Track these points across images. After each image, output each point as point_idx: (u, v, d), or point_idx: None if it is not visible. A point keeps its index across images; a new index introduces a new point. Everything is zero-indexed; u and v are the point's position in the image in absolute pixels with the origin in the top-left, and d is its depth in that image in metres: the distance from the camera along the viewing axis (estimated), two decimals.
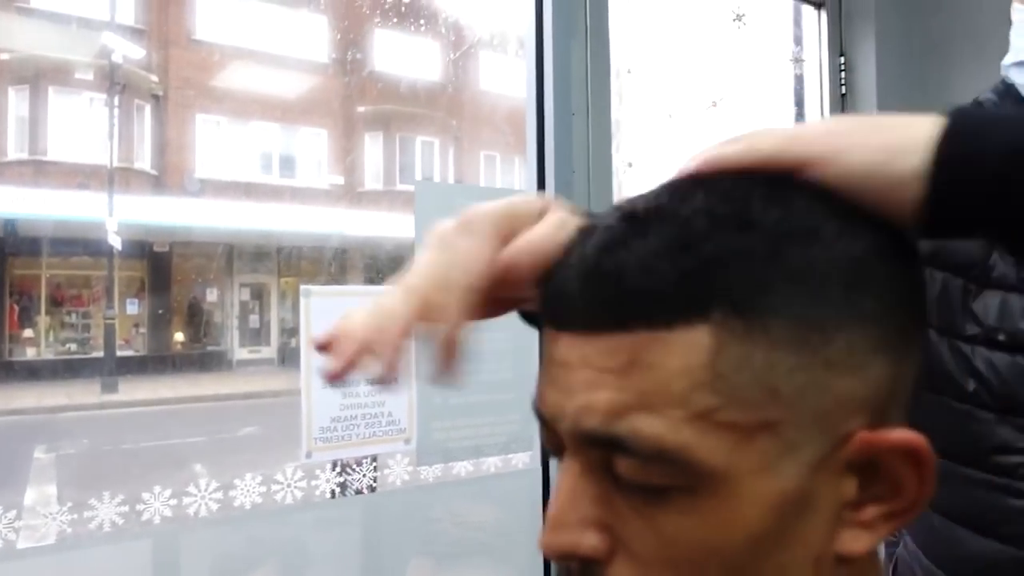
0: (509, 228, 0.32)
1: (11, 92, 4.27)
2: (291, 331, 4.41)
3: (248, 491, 0.95)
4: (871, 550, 0.29)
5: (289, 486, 0.99)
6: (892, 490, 0.28)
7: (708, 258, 0.25)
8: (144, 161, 4.71)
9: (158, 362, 4.07)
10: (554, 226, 0.32)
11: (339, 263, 4.34)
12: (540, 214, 0.33)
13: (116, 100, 4.54)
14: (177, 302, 4.65)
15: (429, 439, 1.16)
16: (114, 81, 4.52)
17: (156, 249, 4.31)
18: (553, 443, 0.30)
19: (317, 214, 4.40)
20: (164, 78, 4.67)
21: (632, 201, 0.28)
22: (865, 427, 0.27)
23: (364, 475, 1.13)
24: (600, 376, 0.26)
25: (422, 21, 2.80)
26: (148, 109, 4.70)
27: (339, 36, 4.66)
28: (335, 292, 1.25)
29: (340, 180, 4.68)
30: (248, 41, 4.71)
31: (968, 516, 0.52)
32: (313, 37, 4.65)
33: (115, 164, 4.51)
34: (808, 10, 1.56)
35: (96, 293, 4.21)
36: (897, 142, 0.27)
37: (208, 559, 0.90)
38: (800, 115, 1.50)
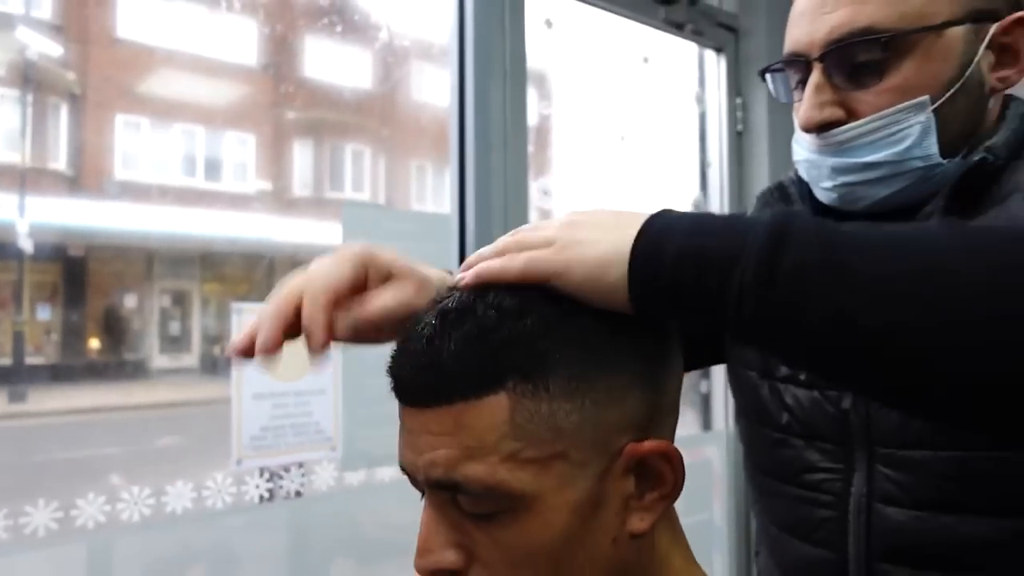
0: (364, 269, 0.46)
1: None
2: (214, 339, 4.36)
3: (179, 496, 1.02)
4: (653, 525, 0.42)
5: (220, 492, 1.07)
6: (658, 481, 0.41)
7: (499, 343, 0.38)
8: (59, 161, 4.58)
9: (72, 370, 3.97)
10: (400, 294, 0.45)
11: (265, 270, 4.33)
12: (388, 275, 0.46)
13: (30, 98, 4.41)
14: (93, 308, 4.56)
15: (354, 447, 1.24)
16: (28, 78, 4.39)
17: (71, 253, 4.20)
18: (417, 486, 0.43)
19: (243, 220, 4.38)
20: (83, 77, 4.56)
21: (445, 299, 0.41)
22: (632, 441, 0.40)
23: (292, 481, 1.21)
24: (436, 438, 0.39)
25: (354, 28, 2.87)
26: (65, 108, 4.58)
27: (269, 41, 4.65)
28: None
29: (268, 186, 4.66)
30: (174, 42, 4.65)
31: (790, 525, 0.67)
32: (242, 41, 4.61)
33: (28, 163, 4.38)
34: (709, 54, 1.72)
35: (3, 298, 4.08)
36: (605, 256, 0.37)
37: (138, 564, 0.97)
38: (703, 148, 1.66)
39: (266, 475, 1.13)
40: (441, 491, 0.40)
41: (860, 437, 0.58)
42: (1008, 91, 0.64)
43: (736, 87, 1.71)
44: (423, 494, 0.42)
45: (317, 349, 0.44)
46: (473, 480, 0.38)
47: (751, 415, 0.69)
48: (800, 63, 0.62)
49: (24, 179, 4.12)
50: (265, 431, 1.09)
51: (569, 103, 1.86)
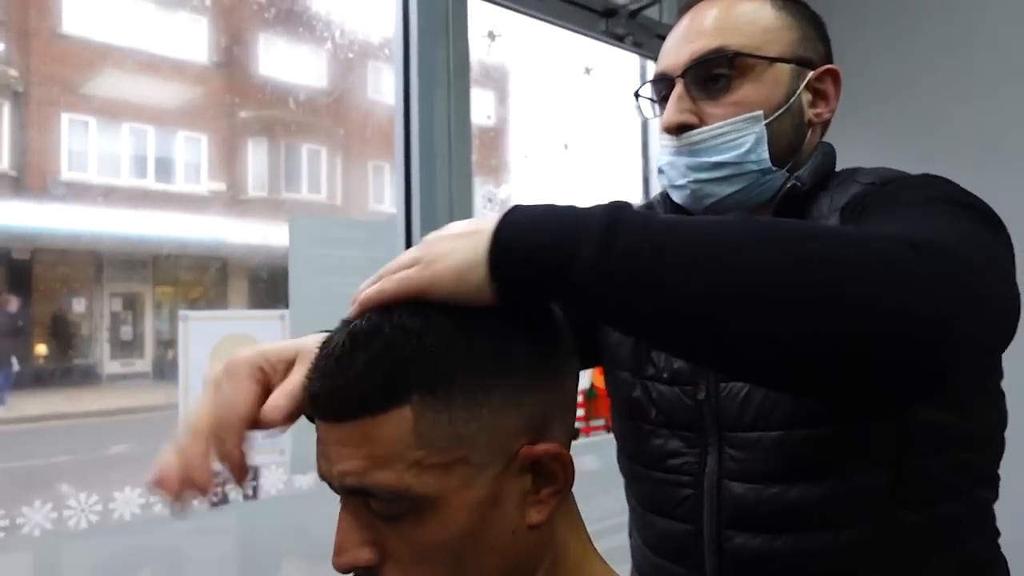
0: (262, 373, 0.50)
1: None
2: (167, 343, 4.32)
3: (127, 503, 1.06)
4: (549, 516, 0.48)
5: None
6: (551, 478, 0.47)
7: (402, 361, 0.43)
8: (2, 161, 4.50)
9: (18, 377, 3.92)
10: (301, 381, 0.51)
11: (219, 272, 4.32)
12: (291, 360, 0.52)
13: None
14: (40, 312, 4.50)
15: (302, 450, 1.29)
16: None
17: (15, 256, 4.14)
18: (335, 491, 0.48)
19: (196, 222, 4.35)
20: (25, 73, 4.49)
21: (355, 322, 0.46)
22: (528, 443, 0.46)
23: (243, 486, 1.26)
24: (347, 449, 0.44)
25: (308, 27, 2.90)
26: (6, 107, 4.50)
27: (221, 39, 4.62)
28: (212, 316, 1.38)
29: (221, 187, 4.63)
30: (122, 39, 4.59)
31: (656, 505, 0.78)
32: (193, 39, 4.57)
33: None
34: (651, 64, 1.80)
35: None
36: (465, 262, 0.43)
37: (88, 570, 1.02)
38: (646, 156, 1.73)
39: (218, 479, 1.17)
40: (354, 496, 0.45)
41: (712, 424, 0.69)
42: (825, 132, 0.79)
43: None
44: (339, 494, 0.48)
45: (240, 480, 0.50)
46: (382, 486, 0.43)
47: (624, 411, 0.79)
48: (666, 81, 0.77)
49: None
50: None
51: (515, 111, 1.93)
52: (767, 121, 0.73)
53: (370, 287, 0.47)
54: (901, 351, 0.41)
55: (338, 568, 0.45)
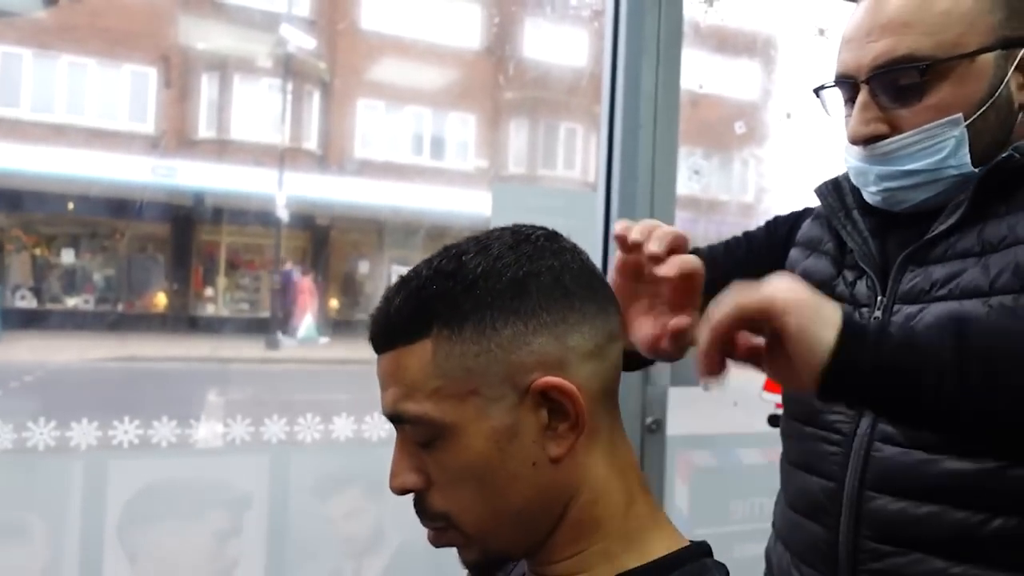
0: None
1: (204, 79, 5.03)
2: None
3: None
4: (568, 451, 0.54)
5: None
6: (564, 413, 0.53)
7: (427, 299, 0.52)
8: (311, 141, 5.36)
9: (321, 326, 4.66)
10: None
11: None
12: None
13: (289, 86, 5.22)
14: (335, 272, 5.21)
15: None
16: (288, 69, 5.19)
17: (318, 223, 4.91)
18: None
19: (463, 196, 4.80)
20: (332, 65, 5.28)
21: (409, 271, 0.55)
22: (539, 377, 0.53)
23: None
24: (387, 379, 0.53)
25: (568, 9, 3.06)
26: (316, 94, 5.34)
27: (491, 25, 5.01)
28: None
29: (485, 164, 5.06)
30: (407, 30, 5.19)
31: (802, 459, 0.77)
32: (466, 26, 5.02)
33: (287, 144, 5.19)
34: None
35: (266, 260, 4.87)
36: (818, 343, 0.50)
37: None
38: None
39: None
40: (396, 424, 0.55)
41: None
42: None
43: None
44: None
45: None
46: (409, 413, 0.52)
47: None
48: (849, 84, 0.69)
49: (283, 158, 4.89)
50: None
51: (738, 78, 1.87)
52: (968, 122, 0.64)
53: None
54: None
55: (393, 490, 0.56)
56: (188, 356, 4.67)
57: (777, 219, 0.91)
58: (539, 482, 0.54)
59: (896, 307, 0.69)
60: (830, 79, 0.74)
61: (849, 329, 0.53)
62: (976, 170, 0.65)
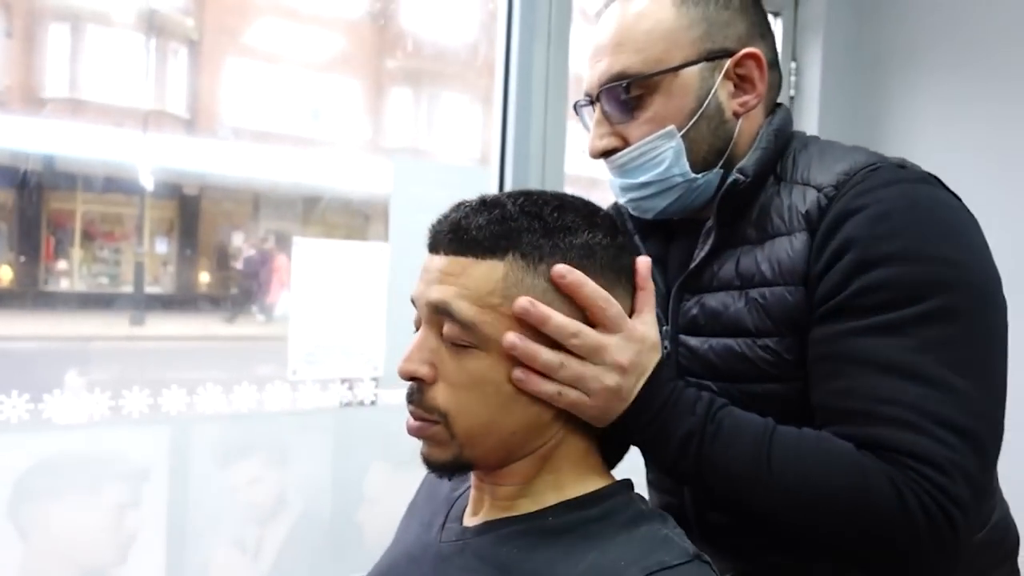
0: None
1: (53, 30, 4.65)
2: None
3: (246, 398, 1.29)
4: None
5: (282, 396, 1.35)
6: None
7: (510, 230, 0.59)
8: (178, 105, 5.08)
9: (183, 301, 4.49)
10: None
11: (363, 217, 4.65)
12: None
13: (153, 43, 4.91)
14: (204, 244, 5.03)
15: (392, 368, 1.49)
16: (152, 24, 4.88)
17: (187, 192, 4.69)
18: (416, 320, 0.63)
19: (342, 166, 4.73)
20: (201, 24, 5.01)
21: (487, 195, 0.61)
22: None
23: (342, 393, 1.48)
24: (448, 277, 0.60)
25: None
26: (184, 54, 5.06)
27: None
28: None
29: (366, 134, 4.98)
30: None
31: (656, 483, 0.94)
32: None
33: (151, 107, 4.89)
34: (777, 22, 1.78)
35: (127, 231, 4.62)
36: (618, 391, 0.65)
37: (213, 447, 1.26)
38: None
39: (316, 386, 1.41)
40: (435, 315, 0.61)
41: None
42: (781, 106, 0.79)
43: (791, 51, 1.78)
44: (417, 328, 0.64)
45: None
46: (462, 313, 0.59)
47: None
48: (588, 100, 0.81)
49: (146, 121, 4.63)
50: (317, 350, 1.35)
51: None
52: (682, 133, 0.75)
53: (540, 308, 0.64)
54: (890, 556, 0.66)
55: (401, 373, 0.62)
56: (38, 335, 4.37)
57: None
58: (538, 417, 0.62)
59: (680, 337, 0.79)
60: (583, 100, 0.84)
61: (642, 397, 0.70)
62: (700, 176, 0.76)
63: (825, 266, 0.68)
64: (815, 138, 0.79)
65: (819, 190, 0.70)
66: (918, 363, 0.62)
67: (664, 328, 0.78)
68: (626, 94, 0.77)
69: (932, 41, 1.81)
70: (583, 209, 0.64)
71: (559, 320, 0.59)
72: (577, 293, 0.60)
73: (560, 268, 0.59)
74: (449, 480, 0.64)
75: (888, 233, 0.66)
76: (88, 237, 4.57)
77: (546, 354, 0.59)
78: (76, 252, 4.59)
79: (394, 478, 1.47)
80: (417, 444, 0.66)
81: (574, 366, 0.59)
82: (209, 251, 5.21)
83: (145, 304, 4.42)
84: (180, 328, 4.41)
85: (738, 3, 0.77)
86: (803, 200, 0.70)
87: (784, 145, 0.76)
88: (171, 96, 4.84)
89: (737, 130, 0.78)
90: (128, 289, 4.68)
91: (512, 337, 0.58)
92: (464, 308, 0.59)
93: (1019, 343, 0.74)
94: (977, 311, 0.65)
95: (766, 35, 0.79)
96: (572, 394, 0.60)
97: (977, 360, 0.63)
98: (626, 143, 0.80)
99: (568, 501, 0.64)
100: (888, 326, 0.64)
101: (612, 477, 0.68)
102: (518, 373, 0.60)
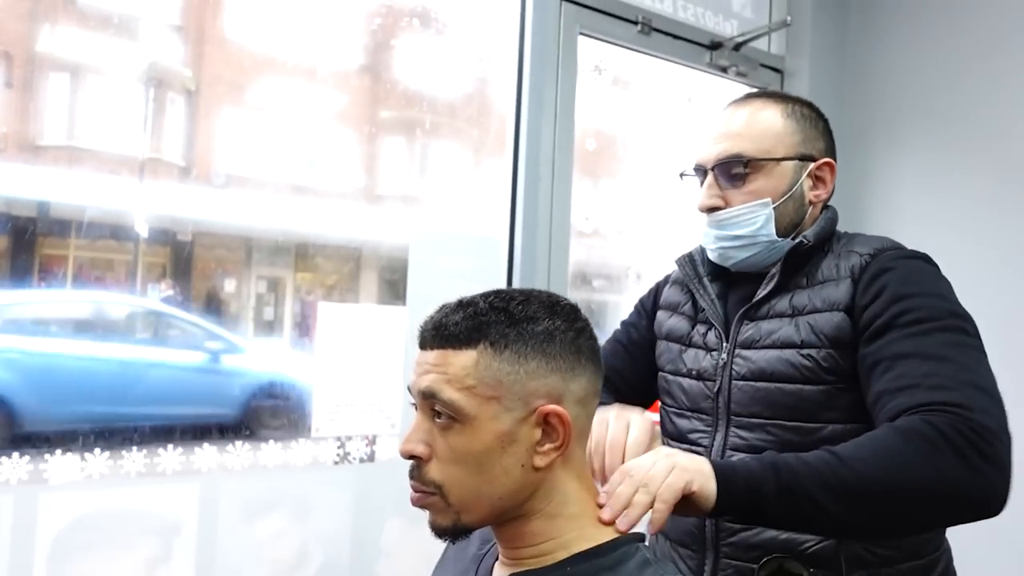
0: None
1: (53, 80, 4.74)
2: (304, 325, 4.83)
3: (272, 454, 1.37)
4: (549, 465, 0.72)
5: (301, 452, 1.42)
6: (555, 434, 0.71)
7: (481, 323, 0.69)
8: (174, 153, 5.17)
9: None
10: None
11: (354, 263, 4.74)
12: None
13: (151, 94, 5.02)
14: (197, 290, 5.08)
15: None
16: (150, 75, 4.99)
17: (180, 238, 4.76)
18: (415, 405, 0.74)
19: (336, 215, 4.82)
20: (198, 74, 5.13)
21: (464, 297, 0.72)
22: (545, 404, 0.70)
23: (360, 449, 1.56)
24: (433, 367, 0.71)
25: (442, 37, 3.22)
26: (182, 104, 5.16)
27: (371, 43, 5.07)
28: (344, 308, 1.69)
29: (359, 182, 5.10)
30: (281, 43, 5.14)
31: None
32: (346, 43, 5.04)
33: (147, 154, 4.97)
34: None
35: (118, 276, 4.66)
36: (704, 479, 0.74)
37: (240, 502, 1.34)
38: None
39: (339, 442, 1.49)
40: (426, 400, 0.72)
41: (723, 411, 0.94)
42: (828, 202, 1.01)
43: None
44: (416, 408, 0.75)
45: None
46: (444, 395, 0.70)
47: (665, 400, 1.07)
48: (702, 170, 1.02)
49: (143, 169, 4.71)
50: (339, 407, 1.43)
51: (620, 136, 2.13)
52: (774, 205, 0.97)
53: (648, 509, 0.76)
54: (956, 514, 0.85)
55: (401, 452, 0.73)
56: None
57: (642, 299, 1.24)
58: (522, 480, 0.73)
59: (736, 351, 1.02)
60: (690, 169, 1.07)
61: (722, 478, 0.84)
62: (779, 239, 0.98)
63: (869, 300, 0.95)
64: (851, 232, 1.03)
65: (860, 255, 0.95)
66: (947, 354, 0.88)
67: (725, 345, 1.01)
68: (738, 169, 0.99)
69: (910, 119, 1.98)
70: (546, 301, 0.77)
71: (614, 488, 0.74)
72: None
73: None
74: (453, 544, 0.75)
75: (914, 281, 0.96)
76: (79, 283, 4.61)
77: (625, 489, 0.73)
78: None
79: (410, 532, 1.52)
80: None
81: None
82: (202, 296, 5.29)
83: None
84: None
85: (822, 127, 1.04)
86: (848, 260, 0.95)
87: (833, 230, 1.00)
88: (167, 144, 4.94)
89: (807, 214, 1.02)
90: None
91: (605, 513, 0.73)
92: (446, 392, 0.71)
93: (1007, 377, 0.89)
94: (972, 331, 0.93)
95: (835, 154, 1.06)
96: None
97: (985, 360, 0.90)
98: (728, 205, 1.03)
99: (585, 552, 0.74)
100: (921, 332, 0.90)
101: (610, 529, 0.78)
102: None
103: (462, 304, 0.73)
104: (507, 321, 0.71)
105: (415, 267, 1.54)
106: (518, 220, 1.57)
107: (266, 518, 1.38)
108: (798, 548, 0.91)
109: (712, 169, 1.03)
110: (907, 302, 0.92)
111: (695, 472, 0.76)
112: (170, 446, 1.20)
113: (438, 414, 0.71)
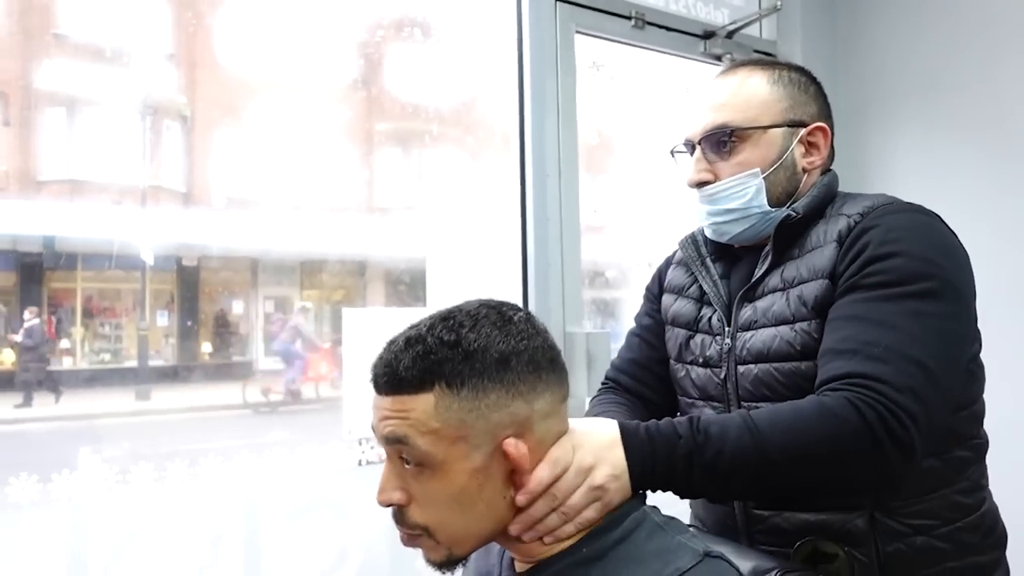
0: None
1: (49, 116, 4.80)
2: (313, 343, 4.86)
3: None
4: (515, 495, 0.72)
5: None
6: (520, 466, 0.72)
7: (433, 363, 0.71)
8: (174, 179, 5.23)
9: (186, 371, 4.57)
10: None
11: (359, 277, 4.79)
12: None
13: (148, 123, 5.08)
14: (205, 314, 5.11)
15: None
16: (146, 104, 5.06)
17: (185, 263, 4.82)
18: (380, 442, 0.74)
19: (338, 229, 4.85)
20: (193, 100, 5.20)
21: (411, 327, 0.72)
22: (513, 435, 0.72)
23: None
24: (392, 413, 0.72)
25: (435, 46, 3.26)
26: (178, 131, 5.22)
27: (360, 57, 5.12)
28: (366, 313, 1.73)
29: (358, 195, 5.15)
30: (275, 63, 5.19)
31: None
32: (337, 58, 5.09)
33: (147, 183, 5.03)
34: None
35: (127, 306, 4.72)
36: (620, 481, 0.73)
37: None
38: None
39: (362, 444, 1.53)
40: (392, 446, 0.73)
41: (732, 397, 0.94)
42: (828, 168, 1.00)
43: None
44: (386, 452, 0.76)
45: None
46: (412, 441, 0.71)
47: (677, 391, 1.07)
48: (691, 145, 1.02)
49: (144, 197, 4.77)
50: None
51: (620, 129, 2.17)
52: (765, 175, 0.96)
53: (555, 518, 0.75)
54: (865, 485, 0.86)
55: (379, 502, 0.74)
56: (47, 415, 4.42)
57: (648, 285, 1.23)
58: (507, 510, 0.74)
59: (738, 334, 1.00)
60: (680, 145, 1.05)
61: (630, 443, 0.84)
62: (773, 211, 0.97)
63: (847, 264, 0.89)
64: (853, 193, 1.01)
65: (848, 217, 0.92)
66: (900, 322, 0.83)
67: (727, 329, 0.99)
68: (724, 140, 0.98)
69: (904, 98, 2.02)
70: (496, 320, 0.73)
71: (540, 476, 0.72)
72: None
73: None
74: (451, 573, 0.75)
75: (893, 240, 0.89)
76: (89, 314, 4.66)
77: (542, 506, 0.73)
78: (78, 330, 4.68)
79: None
80: None
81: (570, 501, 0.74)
82: (209, 321, 5.30)
83: (153, 377, 4.48)
84: (186, 399, 4.48)
85: (813, 91, 1.01)
86: (836, 225, 0.92)
87: (831, 197, 0.97)
88: (167, 171, 4.99)
89: (802, 182, 0.99)
90: (131, 363, 4.74)
91: (521, 499, 0.72)
92: (413, 437, 0.70)
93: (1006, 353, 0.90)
94: (948, 299, 0.86)
95: (830, 117, 1.02)
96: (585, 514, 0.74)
97: (944, 330, 0.85)
98: (717, 179, 1.01)
99: (594, 530, 0.76)
100: (883, 297, 0.86)
101: None
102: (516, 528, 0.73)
103: (409, 342, 0.70)
104: (460, 357, 0.69)
105: (432, 276, 1.58)
106: (529, 218, 1.61)
107: (304, 518, 1.41)
108: (831, 528, 0.92)
109: (699, 143, 1.02)
110: (879, 264, 0.88)
111: (606, 487, 0.74)
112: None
113: (406, 460, 0.72)
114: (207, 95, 5.10)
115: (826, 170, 1.00)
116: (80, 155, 4.74)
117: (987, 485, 0.96)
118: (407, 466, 0.68)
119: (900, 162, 1.99)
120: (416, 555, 0.70)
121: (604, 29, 1.77)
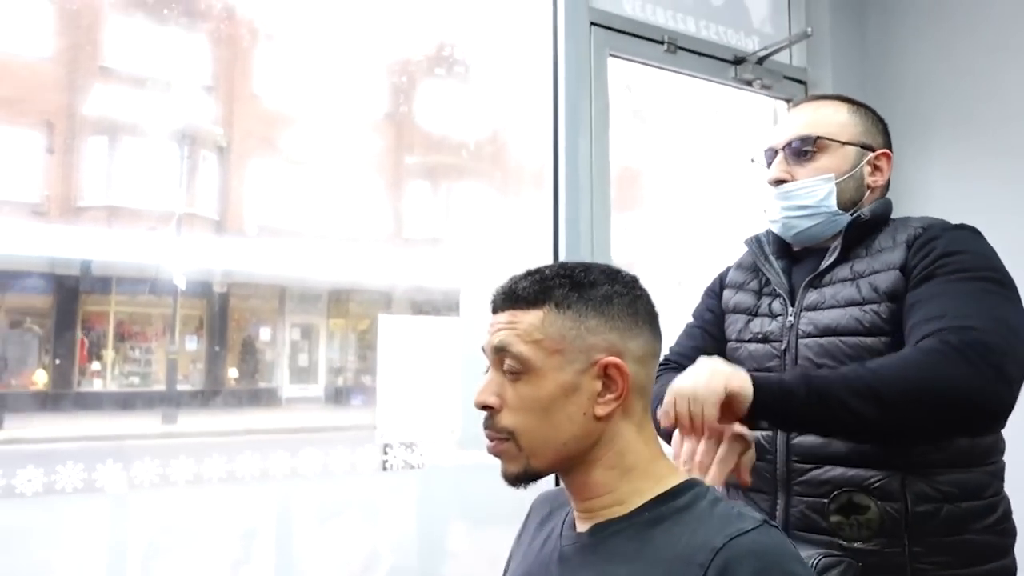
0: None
1: (92, 144, 4.96)
2: (337, 370, 4.91)
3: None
4: (608, 414, 0.79)
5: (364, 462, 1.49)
6: (614, 386, 0.79)
7: (546, 287, 0.78)
8: (208, 208, 5.35)
9: (213, 396, 4.62)
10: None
11: (386, 308, 4.85)
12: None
13: (185, 152, 5.23)
14: (233, 340, 5.18)
15: (470, 431, 1.65)
16: (184, 134, 5.21)
17: (216, 289, 4.90)
18: (488, 363, 0.82)
19: (365, 260, 4.93)
20: (229, 131, 5.33)
21: (532, 268, 0.81)
22: (605, 357, 0.78)
23: (415, 455, 1.63)
24: (504, 325, 0.79)
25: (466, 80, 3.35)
26: (214, 160, 5.36)
27: (392, 91, 5.25)
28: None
29: (387, 227, 5.23)
30: (309, 97, 5.34)
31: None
32: (369, 93, 5.23)
33: (182, 210, 5.15)
34: (779, 104, 2.01)
35: (157, 330, 4.80)
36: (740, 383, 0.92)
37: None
38: None
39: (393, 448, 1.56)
40: (498, 354, 0.80)
41: (790, 368, 1.04)
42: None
43: None
44: (487, 369, 0.83)
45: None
46: (513, 349, 0.79)
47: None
48: (771, 152, 1.16)
49: (179, 224, 4.89)
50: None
51: (653, 152, 2.23)
52: (837, 181, 1.10)
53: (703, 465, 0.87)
54: (964, 417, 0.93)
55: (476, 403, 0.82)
56: (74, 435, 4.47)
57: (709, 285, 1.35)
58: (584, 427, 0.80)
59: (802, 314, 1.12)
60: (759, 155, 1.19)
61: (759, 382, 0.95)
62: (840, 213, 1.10)
63: (920, 259, 1.05)
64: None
65: (914, 227, 1.07)
66: (979, 297, 0.98)
67: (790, 309, 1.13)
68: (806, 150, 1.13)
69: (934, 121, 2.06)
70: (607, 270, 0.87)
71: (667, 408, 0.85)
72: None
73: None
74: (525, 488, 0.81)
75: (958, 243, 1.07)
76: (120, 338, 4.75)
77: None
78: (109, 353, 4.76)
79: (473, 533, 1.57)
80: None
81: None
82: (237, 347, 5.38)
83: (183, 401, 4.55)
84: (213, 423, 4.52)
85: (882, 127, 1.22)
86: (904, 232, 1.07)
87: (889, 212, 1.11)
88: (201, 199, 5.11)
89: (865, 197, 1.13)
90: (159, 387, 4.81)
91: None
92: (516, 346, 0.79)
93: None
94: (1011, 290, 1.02)
95: (892, 150, 1.23)
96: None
97: (1013, 306, 0.99)
98: (794, 179, 1.16)
99: (658, 497, 0.80)
100: (958, 280, 1.01)
101: (681, 472, 0.85)
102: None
103: (530, 273, 0.83)
104: (569, 285, 0.80)
105: (465, 307, 1.64)
106: (561, 234, 1.66)
107: (335, 520, 1.44)
108: (865, 483, 1.00)
109: (782, 149, 1.17)
110: (951, 258, 1.02)
111: (731, 373, 0.87)
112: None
113: (508, 367, 0.80)
114: (243, 126, 5.24)
115: (883, 193, 1.16)
116: (119, 182, 4.88)
117: (1003, 478, 1.05)
118: (508, 373, 0.77)
119: (931, 183, 2.01)
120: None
121: (637, 53, 1.84)
